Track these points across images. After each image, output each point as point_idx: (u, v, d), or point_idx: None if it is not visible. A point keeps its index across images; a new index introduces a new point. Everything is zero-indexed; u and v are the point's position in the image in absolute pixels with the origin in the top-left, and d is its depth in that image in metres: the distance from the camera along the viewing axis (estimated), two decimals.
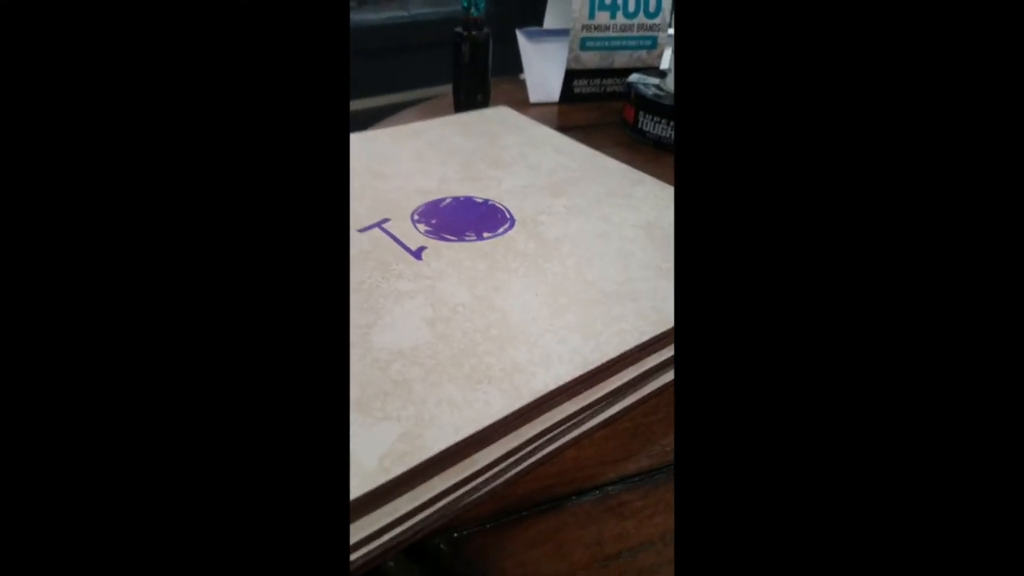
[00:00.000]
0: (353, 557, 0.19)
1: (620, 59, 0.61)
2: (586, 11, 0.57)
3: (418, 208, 0.33)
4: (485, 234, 0.31)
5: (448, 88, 0.59)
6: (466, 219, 0.33)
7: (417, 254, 0.29)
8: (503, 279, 0.28)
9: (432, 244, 0.30)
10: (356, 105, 1.64)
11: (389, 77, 1.65)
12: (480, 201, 0.35)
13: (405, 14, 1.64)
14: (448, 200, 0.35)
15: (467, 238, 0.31)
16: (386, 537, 0.19)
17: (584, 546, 0.20)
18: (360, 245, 0.30)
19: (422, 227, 0.32)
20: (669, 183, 0.39)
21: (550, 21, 0.67)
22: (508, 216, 0.33)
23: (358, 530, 0.18)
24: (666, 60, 0.60)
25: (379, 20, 1.58)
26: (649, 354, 0.25)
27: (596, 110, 0.62)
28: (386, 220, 0.32)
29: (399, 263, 0.28)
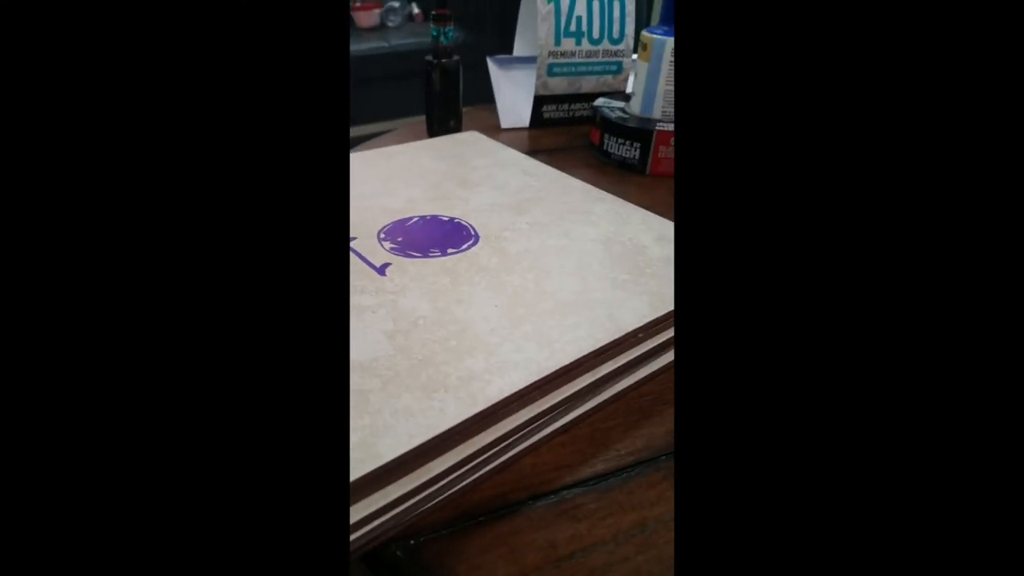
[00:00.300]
0: None
1: (587, 84, 0.63)
2: (552, 38, 0.59)
3: (384, 227, 0.34)
4: (449, 250, 0.32)
5: (421, 118, 0.61)
6: (432, 236, 0.34)
7: (381, 270, 0.30)
8: (465, 292, 0.29)
9: (397, 260, 0.31)
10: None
11: (371, 106, 1.67)
12: (446, 219, 0.36)
13: (386, 44, 1.68)
14: (415, 219, 0.36)
15: (432, 254, 0.32)
16: None
17: (537, 549, 0.20)
18: None
19: (387, 244, 0.32)
20: (632, 201, 0.40)
21: (519, 48, 0.69)
22: (473, 233, 0.34)
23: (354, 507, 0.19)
24: (631, 84, 0.62)
25: (360, 51, 1.62)
26: (603, 361, 0.26)
27: (565, 134, 0.64)
28: (352, 239, 0.33)
29: (362, 279, 0.29)
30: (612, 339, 0.26)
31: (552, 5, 0.58)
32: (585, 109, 0.65)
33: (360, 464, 0.19)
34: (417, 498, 0.21)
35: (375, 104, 1.67)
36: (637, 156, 0.53)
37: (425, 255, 0.32)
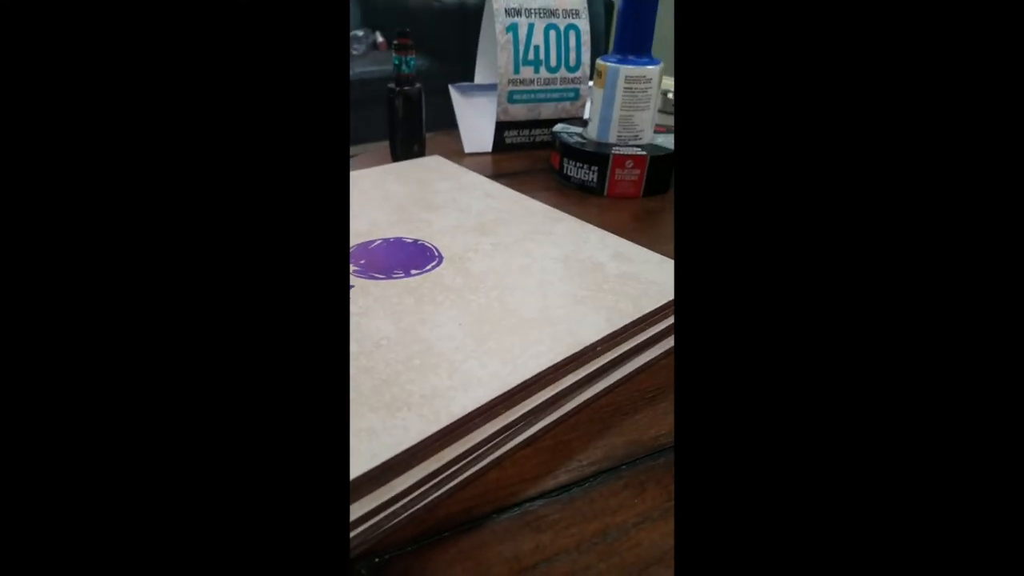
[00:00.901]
0: None
1: (546, 110, 0.65)
2: (511, 66, 0.61)
3: (350, 249, 0.35)
4: (413, 271, 0.33)
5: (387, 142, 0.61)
6: (395, 258, 0.34)
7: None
8: (429, 312, 0.29)
9: (360, 283, 0.31)
10: None
11: None
12: (410, 241, 0.36)
13: (350, 72, 1.69)
14: (378, 241, 0.36)
15: (395, 276, 0.32)
16: None
17: (502, 561, 0.21)
18: None
19: (351, 267, 0.33)
20: (591, 221, 0.42)
21: (480, 76, 0.71)
22: (437, 254, 0.35)
23: None
24: (587, 110, 0.64)
25: None
26: (564, 374, 0.27)
27: (527, 158, 0.65)
28: None
29: None
30: (572, 353, 0.27)
31: (510, 34, 0.60)
32: (545, 134, 0.67)
33: None
34: (381, 515, 0.21)
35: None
36: (595, 179, 0.55)
37: (388, 276, 0.32)
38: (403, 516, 0.22)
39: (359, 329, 0.27)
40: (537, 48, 0.62)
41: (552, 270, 0.34)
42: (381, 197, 0.43)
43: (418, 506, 0.22)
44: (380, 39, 2.10)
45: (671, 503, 0.24)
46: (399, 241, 0.36)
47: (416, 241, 0.37)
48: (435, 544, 0.21)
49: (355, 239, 0.36)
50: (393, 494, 0.21)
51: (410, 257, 0.34)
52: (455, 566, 0.21)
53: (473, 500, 0.23)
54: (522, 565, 0.21)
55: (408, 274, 0.33)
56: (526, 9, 0.61)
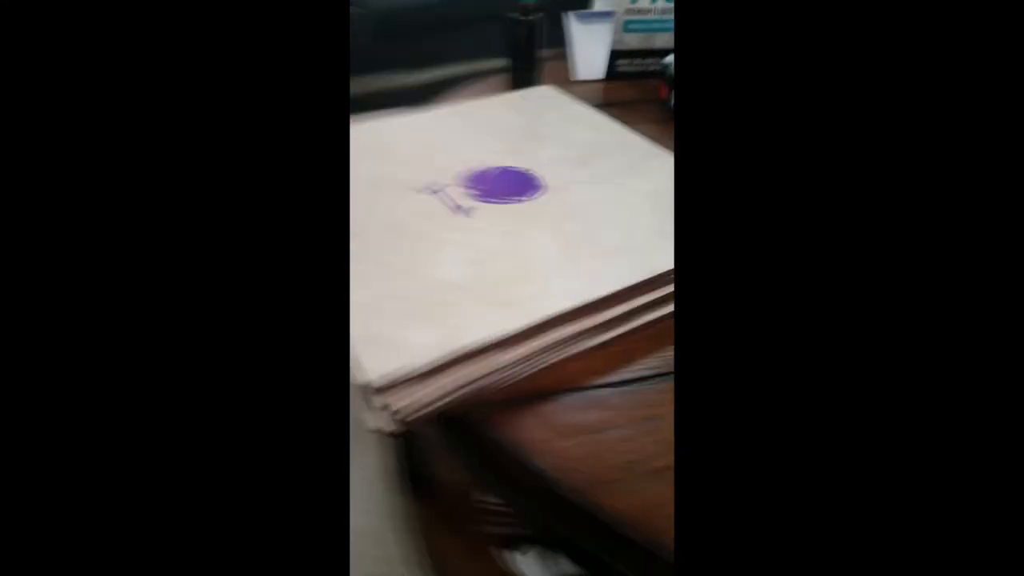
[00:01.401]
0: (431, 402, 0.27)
1: (660, 40, 0.65)
2: None
3: (469, 175, 0.41)
4: (520, 197, 0.39)
5: (499, 62, 0.66)
6: (506, 185, 0.40)
7: (466, 212, 0.37)
8: (532, 234, 0.35)
9: (478, 205, 0.38)
10: (414, 78, 1.72)
11: (444, 51, 1.71)
12: (519, 170, 0.42)
13: None
14: (494, 169, 0.42)
15: (505, 200, 0.39)
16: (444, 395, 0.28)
17: (568, 425, 0.28)
18: (422, 203, 0.38)
19: (471, 190, 0.40)
20: None
21: (599, 3, 0.72)
22: (540, 183, 0.41)
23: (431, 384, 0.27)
24: None
25: None
26: (636, 295, 0.33)
27: (637, 87, 0.67)
28: (444, 185, 0.40)
29: (451, 219, 0.37)
30: (644, 278, 0.32)
31: None
32: (657, 64, 0.67)
33: (448, 345, 0.27)
34: (488, 380, 0.29)
35: (449, 48, 1.70)
36: None
37: (501, 200, 0.39)
38: (501, 383, 0.30)
39: (476, 243, 0.35)
40: None
41: (640, 204, 0.39)
42: (497, 127, 0.49)
43: (512, 379, 0.30)
44: None
45: None
46: (510, 170, 0.42)
47: (525, 170, 0.42)
48: (523, 406, 0.29)
49: (472, 166, 0.43)
50: (491, 365, 0.29)
51: (518, 184, 0.41)
52: (534, 422, 0.28)
53: (553, 381, 0.31)
54: (580, 431, 0.28)
55: (516, 200, 0.39)
56: None
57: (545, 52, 0.65)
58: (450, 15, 1.68)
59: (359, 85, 1.67)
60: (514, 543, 0.56)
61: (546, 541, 0.54)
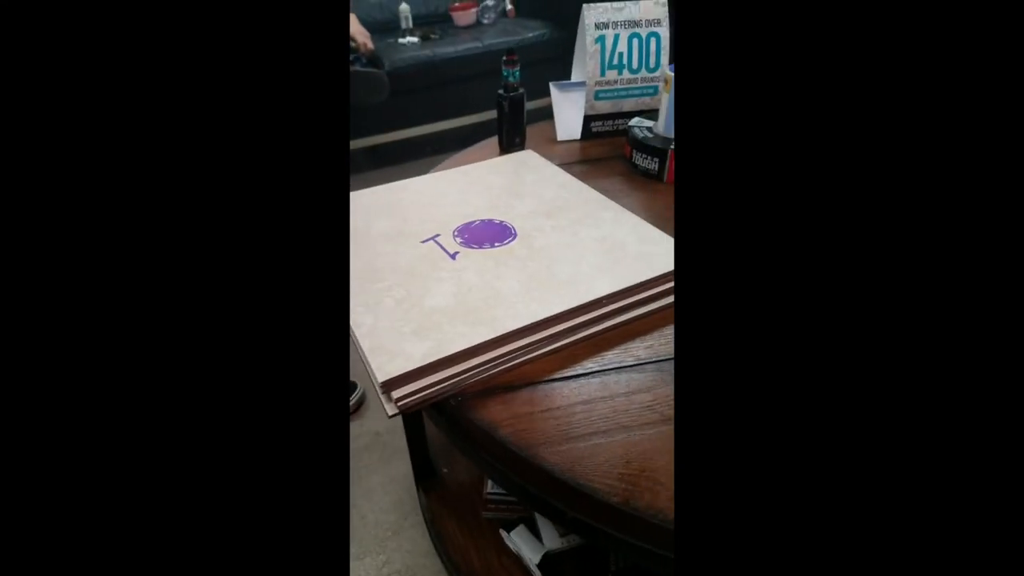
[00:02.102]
0: (424, 388, 0.39)
1: (628, 104, 0.78)
2: (598, 71, 0.75)
3: (458, 226, 0.54)
4: (496, 244, 0.51)
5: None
6: (485, 234, 0.52)
7: (453, 256, 0.49)
8: (501, 271, 0.47)
9: (463, 250, 0.50)
10: (443, 126, 1.89)
11: (469, 100, 1.88)
12: (497, 222, 0.54)
13: (480, 44, 1.87)
14: (477, 221, 0.55)
15: (484, 247, 0.51)
16: (440, 384, 0.39)
17: (527, 403, 0.39)
18: (421, 250, 0.50)
19: (458, 239, 0.52)
20: (648, 202, 0.56)
21: (576, 74, 0.85)
22: (513, 232, 0.53)
23: (422, 381, 0.39)
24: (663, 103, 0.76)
25: (458, 52, 1.82)
26: (578, 315, 0.44)
27: (609, 144, 0.79)
28: (438, 235, 0.52)
29: (442, 262, 0.49)
30: (585, 301, 0.43)
31: (598, 45, 0.74)
32: (626, 124, 0.80)
33: (434, 353, 0.39)
34: (462, 376, 0.40)
35: (472, 98, 1.88)
36: (656, 168, 0.68)
37: (480, 246, 0.51)
38: (474, 380, 0.41)
39: (460, 280, 0.46)
40: (621, 54, 0.74)
41: (589, 247, 0.50)
42: (483, 187, 0.61)
43: (482, 376, 0.41)
44: (509, 6, 2.24)
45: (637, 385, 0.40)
46: (490, 221, 0.55)
47: (502, 222, 0.54)
48: (491, 395, 0.40)
49: (461, 219, 0.55)
50: (467, 366, 0.40)
51: (495, 233, 0.53)
52: (502, 405, 0.39)
53: (514, 377, 0.42)
54: (531, 411, 0.39)
55: (492, 246, 0.51)
56: (613, 22, 0.73)
57: (534, 105, 0.78)
58: (466, 69, 1.85)
59: (381, 139, 1.85)
60: (507, 525, 0.66)
61: (531, 522, 0.64)
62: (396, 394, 0.38)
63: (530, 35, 1.94)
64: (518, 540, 0.64)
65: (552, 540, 0.63)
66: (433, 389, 0.39)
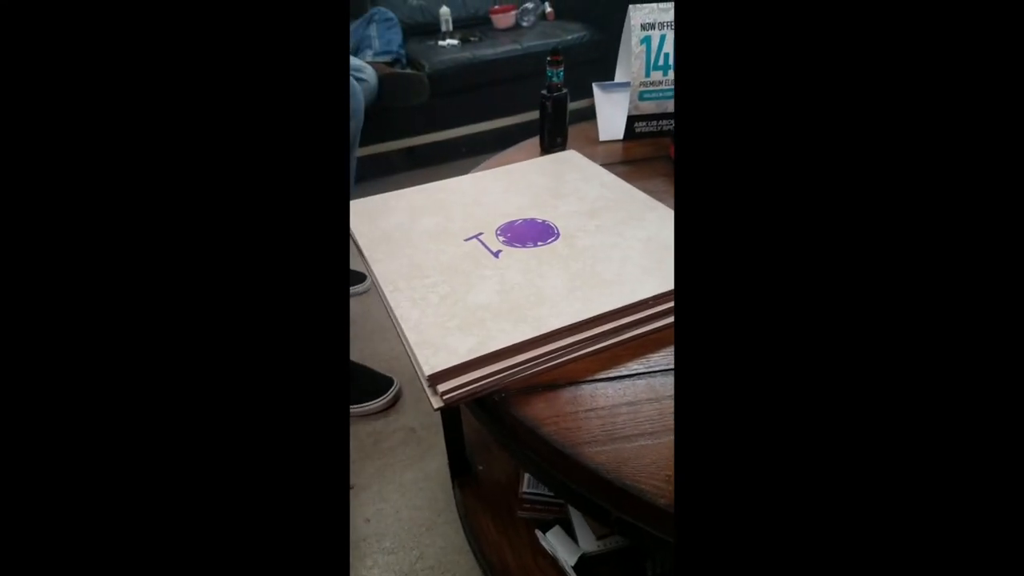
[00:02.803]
0: (470, 383, 0.39)
1: (671, 105, 0.77)
2: (643, 71, 0.74)
3: (500, 225, 0.54)
4: (539, 243, 0.51)
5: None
6: (529, 233, 0.53)
7: (496, 255, 0.50)
8: (544, 271, 0.47)
9: (506, 249, 0.50)
10: (480, 128, 1.91)
11: (508, 102, 1.89)
12: (540, 221, 0.54)
13: (519, 47, 1.87)
14: (519, 220, 0.55)
15: (528, 246, 0.51)
16: (478, 381, 0.39)
17: (568, 403, 0.39)
18: (464, 248, 0.51)
19: (501, 238, 0.52)
20: None
21: (620, 75, 0.84)
22: (556, 231, 0.53)
23: (471, 374, 0.39)
24: None
25: (496, 54, 1.84)
26: (622, 316, 0.43)
27: (652, 145, 0.78)
28: (481, 233, 0.53)
29: (485, 260, 0.49)
30: (628, 303, 0.43)
31: (643, 46, 0.73)
32: (670, 124, 0.79)
33: (480, 349, 0.39)
34: (506, 373, 0.40)
35: (510, 100, 1.89)
36: None
37: (524, 246, 0.51)
38: (517, 377, 0.41)
39: (503, 278, 0.47)
40: (667, 55, 0.74)
41: (634, 247, 0.50)
42: (525, 186, 0.61)
43: (525, 373, 0.41)
44: (549, 9, 2.24)
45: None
46: (533, 221, 0.55)
47: (544, 221, 0.54)
48: (534, 392, 0.40)
49: (506, 217, 0.55)
50: (510, 363, 0.40)
51: (538, 232, 0.53)
52: (544, 403, 0.39)
53: (557, 376, 0.42)
54: (575, 410, 0.39)
55: (536, 245, 0.51)
56: (659, 23, 0.73)
57: (577, 106, 0.78)
58: (504, 72, 1.86)
59: (418, 140, 1.87)
60: (542, 525, 0.65)
61: (566, 523, 0.63)
62: (442, 388, 0.38)
63: (569, 38, 1.94)
64: (554, 541, 0.64)
65: (588, 543, 0.63)
66: (477, 384, 0.40)
